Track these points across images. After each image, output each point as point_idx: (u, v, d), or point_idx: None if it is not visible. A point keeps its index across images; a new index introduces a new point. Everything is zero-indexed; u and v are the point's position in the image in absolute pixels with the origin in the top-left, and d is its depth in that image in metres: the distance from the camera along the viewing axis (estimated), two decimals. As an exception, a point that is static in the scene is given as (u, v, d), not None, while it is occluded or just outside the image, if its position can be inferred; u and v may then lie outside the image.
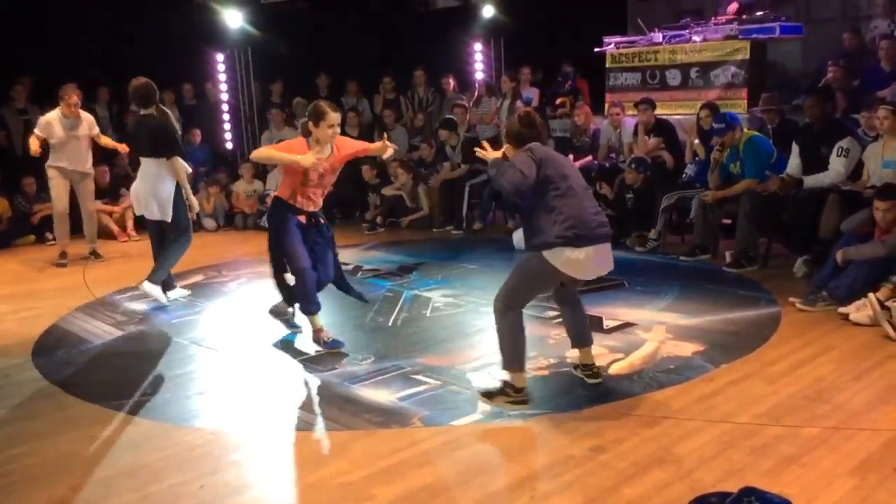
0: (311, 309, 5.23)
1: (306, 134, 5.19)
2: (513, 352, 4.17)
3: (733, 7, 8.69)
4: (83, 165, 8.23)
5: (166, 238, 6.61)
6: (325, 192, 5.36)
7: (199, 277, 7.55)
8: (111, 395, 4.56)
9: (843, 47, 8.63)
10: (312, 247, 5.23)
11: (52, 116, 8.06)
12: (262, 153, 5.59)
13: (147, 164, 6.50)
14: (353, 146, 5.53)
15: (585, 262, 4.02)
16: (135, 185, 6.65)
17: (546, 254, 4.00)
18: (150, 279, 6.50)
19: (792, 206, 6.62)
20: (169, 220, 6.53)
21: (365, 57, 11.95)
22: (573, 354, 4.64)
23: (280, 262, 5.48)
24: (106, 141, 8.48)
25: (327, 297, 6.65)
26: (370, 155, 5.78)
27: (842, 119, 7.24)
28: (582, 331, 4.49)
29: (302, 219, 5.20)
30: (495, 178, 4.11)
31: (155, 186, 6.45)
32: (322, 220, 5.36)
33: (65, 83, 8.30)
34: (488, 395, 4.20)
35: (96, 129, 8.35)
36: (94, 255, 8.53)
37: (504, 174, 4.01)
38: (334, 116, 5.02)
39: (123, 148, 8.54)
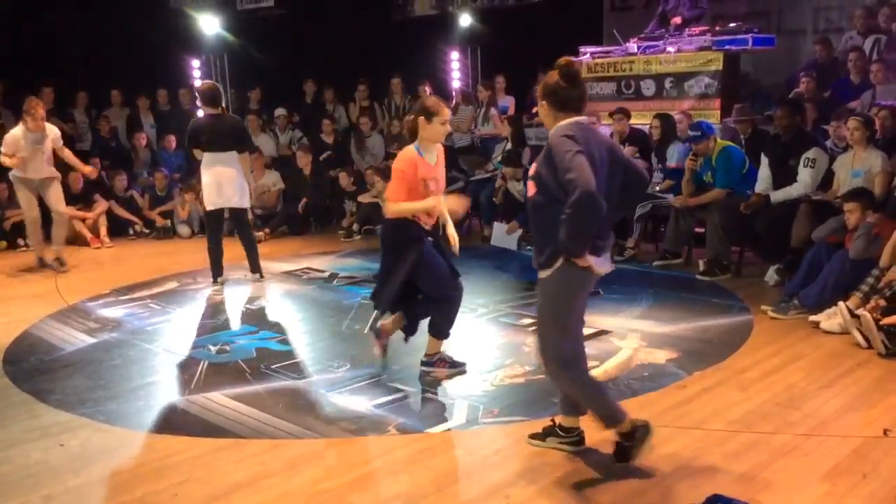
0: (447, 334, 4.84)
1: (412, 137, 4.63)
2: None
3: (676, 20, 8.82)
4: (47, 172, 8.07)
5: (217, 229, 7.27)
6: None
7: (173, 284, 7.49)
8: (83, 402, 4.52)
9: (814, 59, 8.77)
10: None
11: (17, 133, 7.88)
12: (399, 209, 4.58)
13: (223, 158, 7.02)
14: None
15: None
16: (215, 179, 7.04)
17: None
18: (257, 270, 7.36)
19: (764, 216, 6.70)
20: (245, 207, 7.33)
21: (342, 64, 11.95)
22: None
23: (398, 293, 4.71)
24: (69, 156, 8.33)
25: (307, 301, 6.66)
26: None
27: (811, 130, 7.35)
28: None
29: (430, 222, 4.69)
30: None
31: (237, 177, 7.11)
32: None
33: (39, 87, 8.21)
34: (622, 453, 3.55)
35: (60, 143, 8.19)
36: (59, 262, 8.26)
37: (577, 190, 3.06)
38: (448, 112, 4.62)
39: (89, 169, 8.62)
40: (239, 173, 7.14)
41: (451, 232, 4.80)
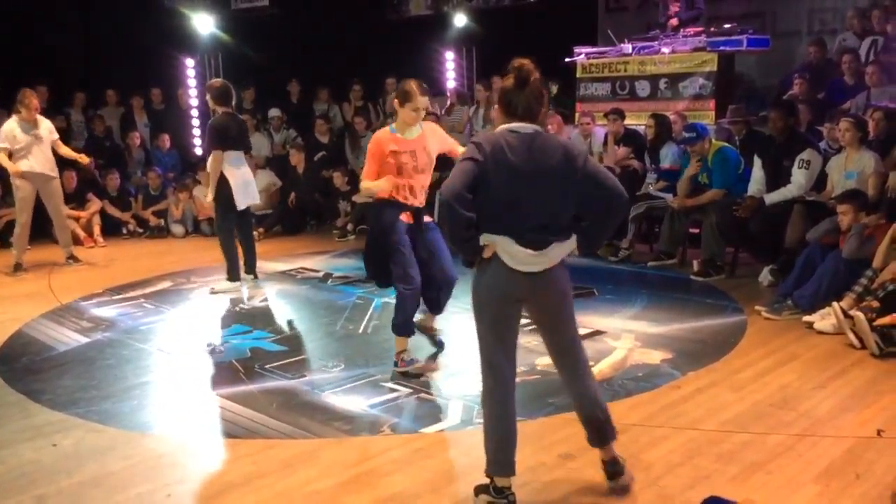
0: (405, 330, 4.84)
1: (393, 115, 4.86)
2: None
3: (673, 22, 8.84)
4: (48, 169, 8.07)
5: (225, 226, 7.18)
6: (425, 185, 4.84)
7: (167, 284, 7.48)
8: (76, 402, 4.51)
9: (808, 60, 8.79)
10: (429, 250, 4.82)
11: (11, 124, 7.91)
12: (363, 189, 4.91)
13: (243, 157, 7.09)
14: (444, 141, 5.00)
15: None
16: (244, 178, 7.02)
17: None
18: (253, 271, 7.35)
19: (758, 217, 6.71)
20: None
21: (337, 64, 11.94)
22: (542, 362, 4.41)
23: (379, 270, 4.92)
24: (66, 151, 8.33)
25: (301, 300, 6.65)
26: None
27: (805, 131, 7.36)
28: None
29: (406, 217, 4.76)
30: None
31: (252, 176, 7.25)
32: (430, 219, 4.94)
33: (34, 87, 8.19)
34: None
35: (55, 136, 8.20)
36: (73, 258, 8.41)
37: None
38: (421, 100, 4.67)
39: (83, 159, 8.52)
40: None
41: None
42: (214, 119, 6.98)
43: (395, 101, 4.76)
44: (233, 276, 7.11)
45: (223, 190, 6.91)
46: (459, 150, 4.97)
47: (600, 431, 3.33)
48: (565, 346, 3.35)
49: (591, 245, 3.31)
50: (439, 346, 5.20)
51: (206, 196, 7.30)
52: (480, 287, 3.20)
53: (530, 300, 3.25)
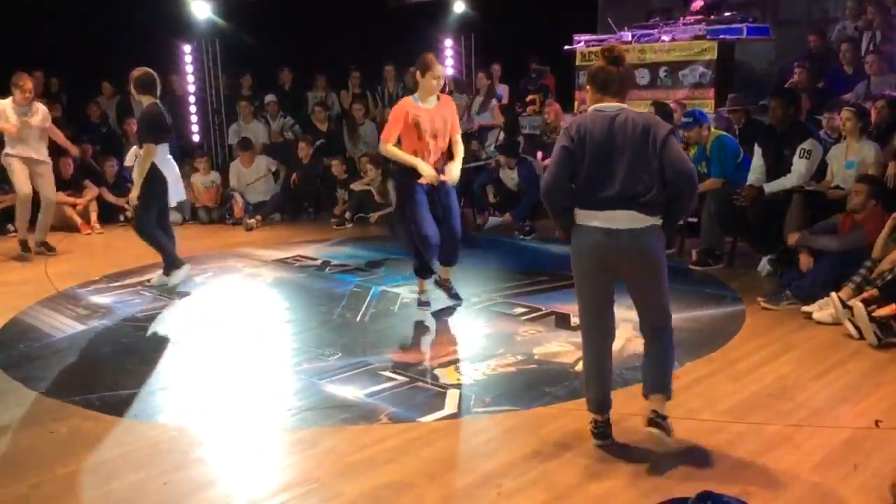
0: (423, 274, 5.82)
1: (414, 89, 5.66)
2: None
3: (697, 4, 8.78)
4: (38, 154, 8.00)
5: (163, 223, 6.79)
6: (443, 154, 5.53)
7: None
8: (73, 390, 4.49)
9: (808, 49, 8.75)
10: (442, 211, 5.51)
11: (5, 105, 7.85)
12: (388, 151, 5.51)
13: (167, 149, 6.62)
14: (454, 117, 5.66)
15: None
16: (175, 174, 6.71)
17: None
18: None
19: (757, 207, 6.69)
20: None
21: (335, 51, 11.88)
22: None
23: (407, 235, 5.71)
24: (60, 139, 8.27)
25: (298, 288, 6.64)
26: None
27: (804, 120, 7.33)
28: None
29: (424, 181, 5.40)
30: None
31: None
32: (445, 182, 5.49)
33: (28, 72, 8.14)
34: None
35: (49, 121, 8.13)
36: (45, 246, 8.24)
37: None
38: (439, 68, 5.48)
39: (76, 150, 8.56)
40: None
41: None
42: (147, 109, 6.59)
43: (417, 73, 5.49)
44: (175, 263, 6.73)
45: (156, 185, 6.49)
46: (457, 136, 5.70)
47: (647, 383, 3.66)
48: (649, 304, 3.66)
49: (667, 223, 3.50)
50: (455, 298, 5.89)
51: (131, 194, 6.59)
52: (573, 249, 3.58)
53: (611, 258, 3.49)
